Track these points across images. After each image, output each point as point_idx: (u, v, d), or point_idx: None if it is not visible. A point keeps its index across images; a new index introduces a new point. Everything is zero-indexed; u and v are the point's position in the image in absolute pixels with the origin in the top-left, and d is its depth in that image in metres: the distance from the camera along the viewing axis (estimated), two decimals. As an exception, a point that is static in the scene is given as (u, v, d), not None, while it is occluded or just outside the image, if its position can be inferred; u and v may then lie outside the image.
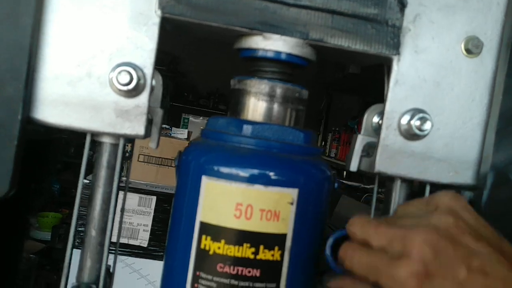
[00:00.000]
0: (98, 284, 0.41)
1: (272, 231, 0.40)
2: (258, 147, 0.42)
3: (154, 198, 1.26)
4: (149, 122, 0.40)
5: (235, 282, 0.39)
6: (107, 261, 0.42)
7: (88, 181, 0.45)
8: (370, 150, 0.44)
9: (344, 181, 3.29)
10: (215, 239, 0.40)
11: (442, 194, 0.36)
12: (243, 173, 0.40)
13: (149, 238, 1.24)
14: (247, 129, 0.42)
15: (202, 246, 0.40)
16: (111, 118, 0.38)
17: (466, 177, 0.42)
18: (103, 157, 0.40)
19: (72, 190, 2.56)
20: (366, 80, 2.79)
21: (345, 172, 3.56)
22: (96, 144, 0.41)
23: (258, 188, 0.39)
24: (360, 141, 0.44)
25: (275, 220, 0.40)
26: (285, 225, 0.40)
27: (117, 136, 0.39)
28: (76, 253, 0.41)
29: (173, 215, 0.44)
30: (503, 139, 0.41)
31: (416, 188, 0.44)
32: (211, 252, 0.40)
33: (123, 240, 1.41)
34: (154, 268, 1.23)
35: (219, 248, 0.40)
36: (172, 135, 1.64)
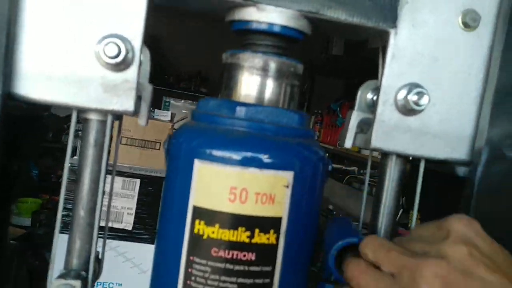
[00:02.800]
0: (88, 270, 0.39)
1: (267, 215, 0.38)
2: (252, 130, 0.40)
3: (138, 181, 1.24)
4: (138, 98, 0.38)
5: (230, 266, 0.38)
6: (96, 244, 0.40)
7: (70, 164, 0.42)
8: (364, 126, 0.43)
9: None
10: (209, 223, 0.38)
11: (454, 219, 0.34)
12: (237, 156, 0.38)
13: (134, 221, 1.22)
14: (240, 111, 0.40)
15: (195, 231, 0.38)
16: (98, 93, 0.35)
17: (461, 152, 0.41)
18: (90, 135, 0.38)
19: (52, 175, 2.50)
20: (349, 62, 2.77)
21: (326, 155, 3.56)
22: (82, 122, 0.39)
23: (253, 171, 0.38)
24: (355, 117, 0.43)
25: (270, 204, 0.38)
26: (280, 208, 0.39)
27: (104, 112, 0.37)
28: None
29: (164, 199, 0.42)
30: (498, 114, 0.40)
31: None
32: (205, 237, 0.38)
33: (107, 225, 1.38)
34: (139, 251, 1.21)
35: (213, 232, 0.38)
36: (155, 117, 1.60)
